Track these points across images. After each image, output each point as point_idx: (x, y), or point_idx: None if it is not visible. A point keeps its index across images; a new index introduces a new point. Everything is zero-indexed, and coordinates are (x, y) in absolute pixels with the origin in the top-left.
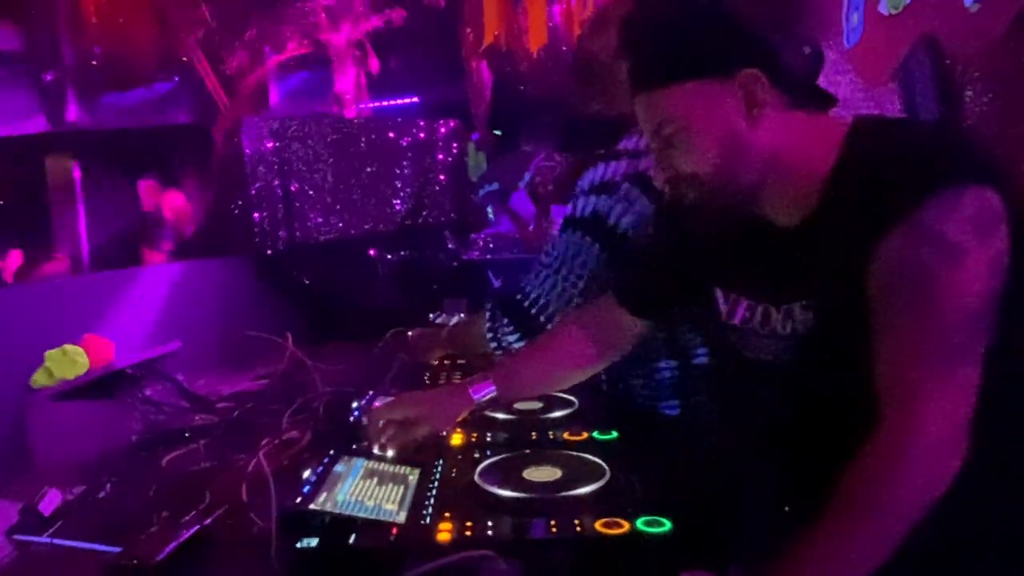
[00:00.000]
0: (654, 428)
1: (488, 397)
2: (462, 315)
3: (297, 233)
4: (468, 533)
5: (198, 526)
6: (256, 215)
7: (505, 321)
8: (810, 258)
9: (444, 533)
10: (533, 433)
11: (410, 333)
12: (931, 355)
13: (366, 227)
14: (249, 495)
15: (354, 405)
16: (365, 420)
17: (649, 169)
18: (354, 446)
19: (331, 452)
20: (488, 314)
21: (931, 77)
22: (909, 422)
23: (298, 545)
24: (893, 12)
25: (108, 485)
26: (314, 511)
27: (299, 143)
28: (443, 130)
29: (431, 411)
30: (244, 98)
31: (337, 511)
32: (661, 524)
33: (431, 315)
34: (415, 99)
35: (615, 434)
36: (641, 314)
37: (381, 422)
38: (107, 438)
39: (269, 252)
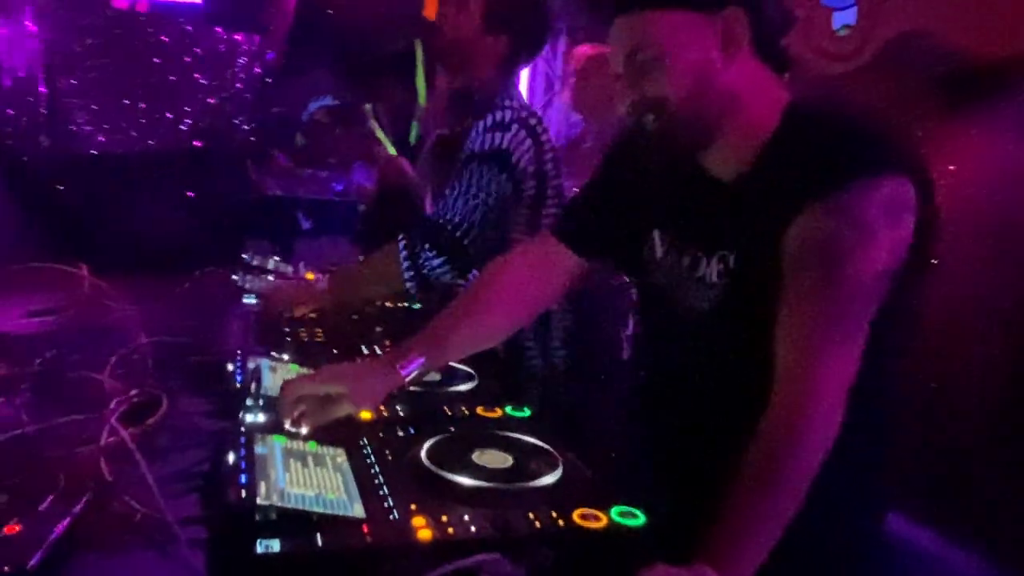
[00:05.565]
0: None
1: (417, 372)
2: (276, 258)
3: (62, 140)
4: (450, 531)
5: (68, 518)
6: (9, 112)
7: (427, 246)
8: (737, 214)
9: (423, 530)
10: (446, 408)
11: (252, 283)
12: (830, 321)
13: (150, 143)
14: (111, 472)
15: (230, 368)
16: (276, 392)
17: (530, 118)
18: (249, 419)
19: (242, 429)
20: (403, 249)
21: None
22: (807, 387)
23: (258, 550)
24: None
25: None
26: (263, 506)
27: (69, 32)
28: (246, 46)
29: (356, 389)
30: None
31: (284, 504)
32: (635, 516)
33: (244, 255)
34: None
35: (528, 411)
36: (582, 250)
37: (296, 397)
38: None
39: (24, 159)
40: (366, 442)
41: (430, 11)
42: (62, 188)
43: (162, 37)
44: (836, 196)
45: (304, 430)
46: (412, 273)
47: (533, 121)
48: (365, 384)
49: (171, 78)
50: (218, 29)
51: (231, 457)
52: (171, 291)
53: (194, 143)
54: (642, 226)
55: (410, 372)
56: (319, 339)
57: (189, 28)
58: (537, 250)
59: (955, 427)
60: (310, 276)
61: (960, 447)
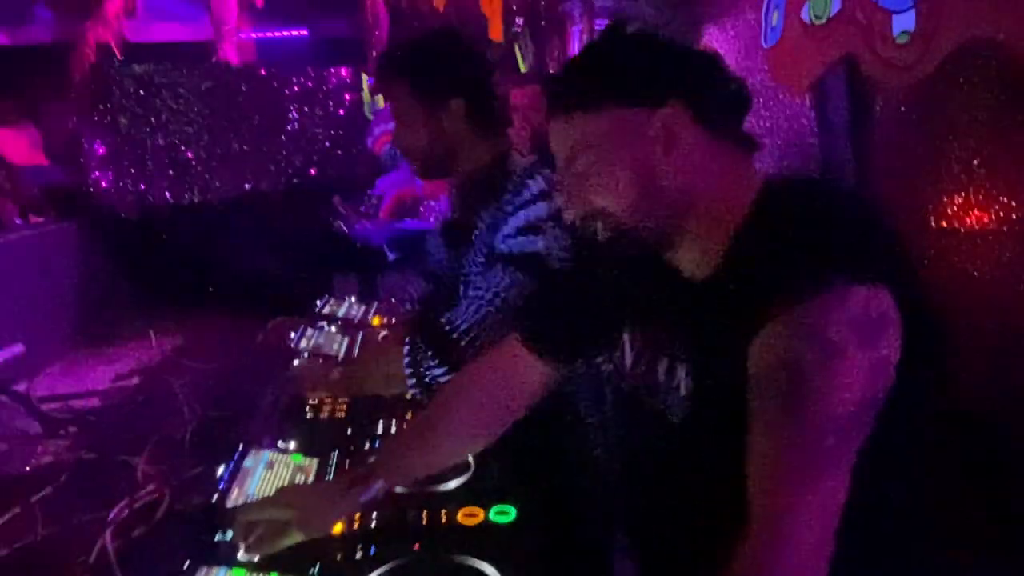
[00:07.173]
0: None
1: (378, 494)
2: (353, 299)
3: (167, 194)
4: None
5: None
6: (114, 172)
7: (430, 354)
8: (704, 319)
9: None
10: (424, 513)
11: (307, 342)
12: (798, 460)
13: (246, 187)
14: None
15: (220, 471)
16: (233, 515)
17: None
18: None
19: (185, 566)
20: (407, 347)
21: (846, 99)
22: (774, 541)
23: None
24: (816, 22)
25: None
26: None
27: (168, 91)
28: (334, 80)
29: (307, 517)
30: (106, 17)
31: None
32: None
33: (318, 301)
34: (304, 32)
35: (513, 513)
36: (548, 354)
37: (249, 521)
38: None
39: (129, 215)
40: (317, 570)
41: (495, 32)
42: (162, 241)
43: (255, 83)
44: (798, 311)
45: (255, 557)
46: (414, 380)
47: None
48: (316, 511)
49: (263, 122)
50: (308, 68)
51: None
52: (249, 340)
53: (291, 181)
54: (612, 328)
55: (368, 497)
56: (340, 414)
57: (277, 71)
58: (505, 357)
59: None
60: (376, 322)
61: None
